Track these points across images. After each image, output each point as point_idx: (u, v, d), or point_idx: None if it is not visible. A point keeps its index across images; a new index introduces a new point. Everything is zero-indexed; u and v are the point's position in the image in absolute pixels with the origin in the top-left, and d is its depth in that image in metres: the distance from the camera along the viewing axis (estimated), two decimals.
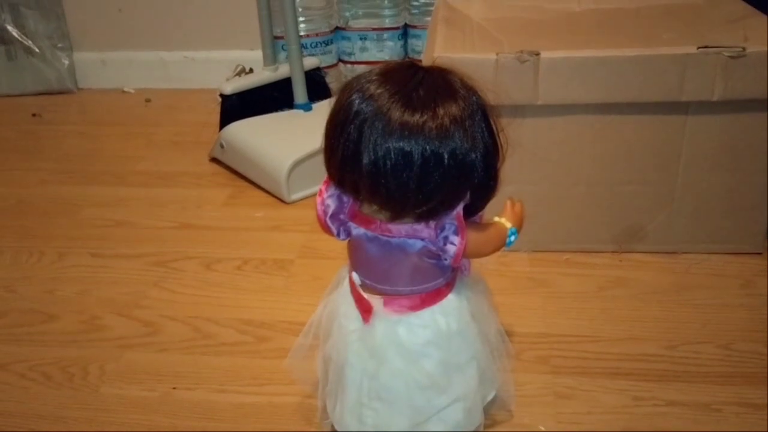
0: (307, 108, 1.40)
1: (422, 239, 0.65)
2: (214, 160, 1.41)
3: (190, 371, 0.87)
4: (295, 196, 1.25)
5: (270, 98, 1.43)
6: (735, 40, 0.92)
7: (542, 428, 0.77)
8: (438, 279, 0.68)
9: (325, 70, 1.61)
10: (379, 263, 0.67)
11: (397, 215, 0.63)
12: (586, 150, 0.99)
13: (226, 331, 0.94)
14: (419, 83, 0.60)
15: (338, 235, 0.68)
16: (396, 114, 0.59)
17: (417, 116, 0.58)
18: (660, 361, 0.85)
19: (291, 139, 1.30)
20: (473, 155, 0.60)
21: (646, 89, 0.92)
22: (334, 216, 0.67)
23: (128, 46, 1.81)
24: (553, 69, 0.92)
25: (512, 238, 0.70)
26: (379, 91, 0.60)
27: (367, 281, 0.69)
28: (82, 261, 1.11)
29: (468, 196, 0.64)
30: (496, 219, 0.71)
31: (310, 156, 1.24)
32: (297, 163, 1.24)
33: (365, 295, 0.69)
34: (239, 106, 1.40)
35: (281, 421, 0.79)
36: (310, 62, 1.47)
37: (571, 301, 0.96)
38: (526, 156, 0.98)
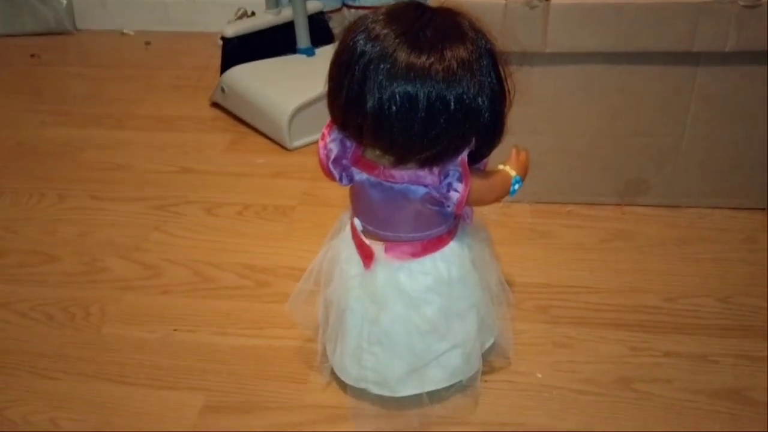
0: (309, 53, 1.37)
1: (425, 186, 0.64)
2: (215, 104, 1.39)
3: (190, 314, 0.88)
4: (297, 143, 1.23)
5: (272, 42, 1.40)
6: None
7: (539, 375, 0.77)
8: (440, 226, 0.68)
9: (329, 14, 1.58)
10: (382, 209, 0.67)
11: (400, 160, 0.62)
12: (593, 100, 0.97)
13: (226, 275, 0.94)
14: (426, 24, 0.59)
15: (340, 180, 0.68)
16: (402, 55, 0.57)
17: (423, 58, 0.57)
18: (659, 313, 0.85)
19: (293, 85, 1.28)
20: (480, 100, 0.59)
21: (657, 38, 0.90)
22: (336, 160, 0.67)
23: None
24: (562, 15, 0.90)
25: (516, 186, 0.70)
26: (384, 31, 0.59)
27: (369, 227, 0.69)
28: (82, 203, 1.11)
29: (473, 142, 0.63)
30: (501, 167, 0.70)
31: (313, 102, 1.23)
32: (299, 109, 1.22)
33: (367, 241, 0.69)
34: (241, 49, 1.38)
35: (281, 364, 0.80)
36: (313, 6, 1.44)
37: (573, 253, 0.96)
38: (532, 105, 0.97)
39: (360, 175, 0.67)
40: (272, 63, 1.36)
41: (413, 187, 0.65)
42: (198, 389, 0.77)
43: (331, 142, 0.66)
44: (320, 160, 0.67)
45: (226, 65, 1.37)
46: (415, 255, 0.68)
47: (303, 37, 1.37)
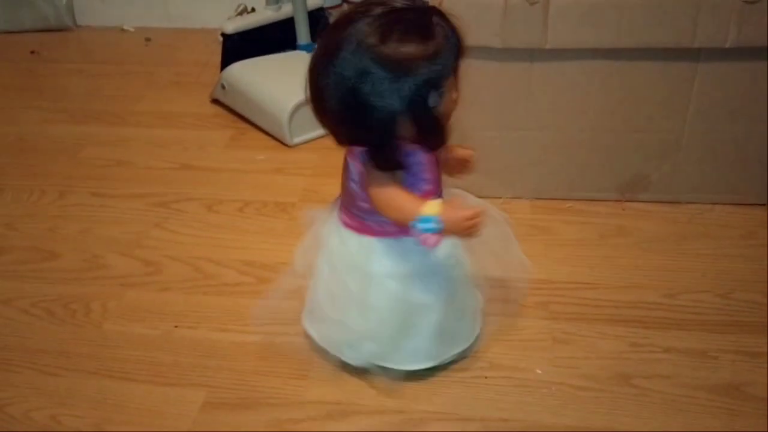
0: (309, 49, 1.37)
1: (352, 165, 0.69)
2: (215, 101, 1.39)
3: (191, 310, 0.88)
4: (297, 139, 1.23)
5: (272, 38, 1.40)
6: None
7: (539, 371, 0.78)
8: (361, 212, 0.70)
9: (329, 10, 1.58)
10: (343, 174, 0.72)
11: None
12: (593, 96, 0.97)
13: (227, 271, 0.94)
14: (384, 17, 0.61)
15: None
16: (335, 38, 0.61)
17: (352, 45, 0.60)
18: (659, 309, 0.86)
19: (293, 81, 1.26)
20: (382, 99, 0.60)
21: (657, 34, 0.90)
22: None
23: None
24: (562, 12, 0.90)
25: (424, 224, 0.63)
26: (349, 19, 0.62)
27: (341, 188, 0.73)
28: (83, 200, 1.11)
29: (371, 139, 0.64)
30: (430, 201, 0.65)
31: None
32: (299, 106, 1.22)
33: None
34: (241, 46, 1.38)
35: (281, 361, 0.80)
36: (313, 2, 1.44)
37: (572, 249, 0.96)
38: (532, 101, 0.97)
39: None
40: (272, 59, 1.36)
41: (349, 161, 0.69)
42: (199, 385, 0.77)
43: None
44: None
45: (226, 61, 1.37)
46: (347, 225, 0.72)
47: (303, 33, 1.37)
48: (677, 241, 0.97)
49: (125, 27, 1.79)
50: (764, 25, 0.88)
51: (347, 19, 0.61)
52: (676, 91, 0.95)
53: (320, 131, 1.24)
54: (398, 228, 0.68)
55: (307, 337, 0.80)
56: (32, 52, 1.67)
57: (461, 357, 0.78)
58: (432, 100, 0.61)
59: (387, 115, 0.61)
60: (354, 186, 0.69)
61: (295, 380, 0.78)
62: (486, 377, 0.77)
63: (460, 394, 0.75)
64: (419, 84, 0.60)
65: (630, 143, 1.00)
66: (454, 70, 0.63)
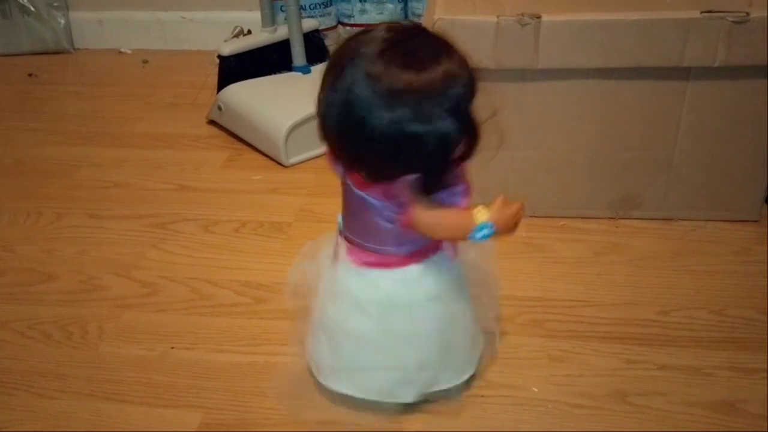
0: (305, 70, 1.39)
1: (375, 199, 0.65)
2: (212, 122, 1.40)
3: (188, 331, 0.88)
4: (293, 160, 1.24)
5: (268, 60, 1.42)
6: (739, 5, 0.90)
7: (535, 389, 0.78)
8: (398, 246, 0.68)
9: (324, 32, 1.60)
10: (351, 211, 0.70)
11: (346, 167, 0.65)
12: (585, 115, 0.98)
13: (223, 292, 0.95)
14: (404, 43, 0.60)
15: (336, 170, 0.69)
16: (358, 69, 0.58)
17: (376, 73, 0.58)
18: (653, 326, 0.86)
19: (289, 102, 1.29)
20: (418, 128, 0.58)
21: (647, 54, 0.92)
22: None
23: (125, 6, 1.79)
24: (554, 32, 0.91)
25: (481, 233, 0.64)
26: (360, 46, 0.60)
27: (344, 227, 0.71)
28: (80, 222, 1.11)
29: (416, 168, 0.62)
30: (476, 208, 0.65)
31: (309, 119, 1.24)
32: (295, 127, 1.23)
33: (340, 239, 0.72)
34: (237, 67, 1.39)
35: (278, 381, 0.80)
36: (308, 24, 1.46)
37: (567, 266, 0.97)
38: (525, 121, 0.98)
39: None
40: (268, 81, 1.38)
41: (370, 198, 0.65)
42: (195, 407, 0.77)
43: None
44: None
45: (222, 83, 1.38)
46: (369, 264, 0.69)
47: (299, 55, 1.38)
48: (671, 258, 0.98)
49: (123, 49, 1.81)
50: (752, 44, 0.90)
51: (375, 77, 0.58)
52: (667, 110, 0.97)
53: (316, 151, 1.26)
54: (418, 252, 0.68)
55: (304, 357, 0.81)
56: (30, 75, 1.69)
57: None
58: (472, 109, 0.61)
59: (445, 137, 0.59)
60: (381, 221, 0.66)
61: (291, 401, 0.78)
62: (482, 396, 0.77)
63: (457, 413, 0.75)
64: (465, 97, 0.60)
65: (622, 161, 1.01)
66: None
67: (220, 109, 1.35)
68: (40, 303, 0.94)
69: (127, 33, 1.81)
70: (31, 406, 0.78)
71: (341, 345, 0.73)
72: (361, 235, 0.69)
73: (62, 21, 1.80)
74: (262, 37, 1.43)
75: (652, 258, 0.98)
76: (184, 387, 0.80)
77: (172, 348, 0.85)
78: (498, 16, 0.91)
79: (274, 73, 1.40)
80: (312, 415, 0.76)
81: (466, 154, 0.63)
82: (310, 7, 1.61)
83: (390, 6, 1.64)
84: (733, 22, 0.88)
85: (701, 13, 0.89)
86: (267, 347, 0.85)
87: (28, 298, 0.95)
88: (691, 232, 1.02)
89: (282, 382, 0.80)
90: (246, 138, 1.32)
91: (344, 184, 0.69)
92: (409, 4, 1.67)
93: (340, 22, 1.70)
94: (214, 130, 1.39)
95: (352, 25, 1.67)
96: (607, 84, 0.96)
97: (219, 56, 1.40)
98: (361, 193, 0.66)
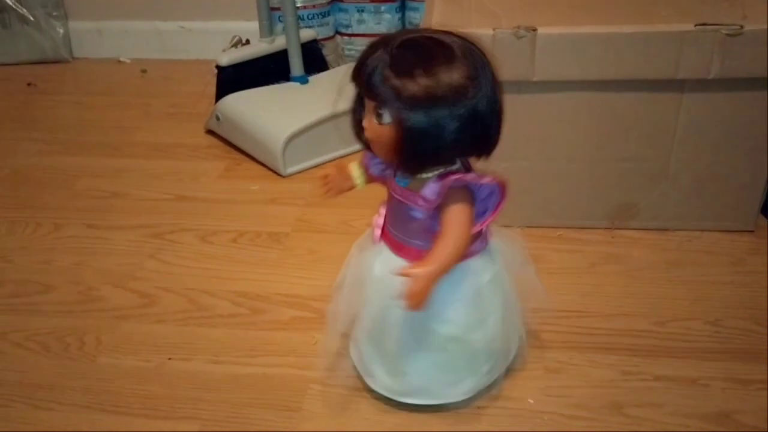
0: (303, 80, 1.39)
1: (419, 207, 0.67)
2: (210, 132, 1.40)
3: (185, 342, 0.88)
4: (291, 170, 1.25)
5: (266, 70, 1.42)
6: (733, 18, 0.91)
7: (531, 401, 0.78)
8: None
9: (322, 42, 1.60)
10: (396, 215, 0.71)
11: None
12: (581, 127, 0.99)
13: (221, 302, 0.95)
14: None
15: (368, 168, 0.73)
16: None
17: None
18: (649, 337, 0.86)
19: (287, 112, 1.30)
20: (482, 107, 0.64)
21: (642, 66, 0.92)
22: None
23: (124, 16, 1.80)
24: (549, 45, 0.92)
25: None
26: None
27: (390, 227, 0.72)
28: (78, 232, 1.12)
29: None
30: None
31: (307, 129, 1.24)
32: (293, 137, 1.24)
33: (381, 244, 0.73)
34: (235, 77, 1.40)
35: (275, 392, 0.80)
36: (306, 34, 1.46)
37: (563, 277, 0.97)
38: (521, 132, 0.98)
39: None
40: (266, 91, 1.38)
41: (417, 196, 0.67)
42: (193, 418, 0.77)
43: None
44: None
45: (220, 93, 1.39)
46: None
47: (297, 65, 1.39)
48: (666, 268, 0.98)
49: (122, 59, 1.82)
50: (746, 57, 0.90)
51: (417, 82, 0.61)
52: (662, 121, 0.97)
53: (314, 161, 1.26)
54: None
55: (302, 369, 0.81)
56: (29, 84, 1.69)
57: None
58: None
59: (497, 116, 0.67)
60: (419, 214, 0.68)
61: (288, 412, 0.78)
62: (478, 407, 0.77)
63: (453, 425, 0.75)
64: (497, 83, 0.66)
65: (618, 172, 1.01)
66: None
67: (218, 119, 1.35)
68: (38, 314, 0.94)
69: (126, 42, 1.82)
70: (27, 417, 0.78)
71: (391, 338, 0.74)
72: (405, 236, 0.71)
73: (61, 30, 1.81)
74: (260, 47, 1.44)
75: (648, 268, 0.98)
76: (182, 398, 0.80)
77: (170, 359, 0.86)
78: (494, 29, 0.92)
79: (272, 83, 1.41)
80: (309, 426, 0.76)
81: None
82: (308, 17, 1.61)
83: (387, 16, 1.65)
84: (727, 34, 0.89)
85: (695, 25, 0.90)
86: (265, 358, 0.85)
87: (25, 309, 0.95)
88: (687, 242, 1.03)
89: (279, 393, 0.80)
90: (244, 148, 1.32)
91: (389, 188, 0.71)
92: (407, 14, 1.68)
93: (338, 32, 1.70)
94: (212, 139, 1.39)
95: (350, 35, 1.68)
96: (603, 96, 0.96)
97: (217, 66, 1.41)
98: (409, 192, 0.68)
